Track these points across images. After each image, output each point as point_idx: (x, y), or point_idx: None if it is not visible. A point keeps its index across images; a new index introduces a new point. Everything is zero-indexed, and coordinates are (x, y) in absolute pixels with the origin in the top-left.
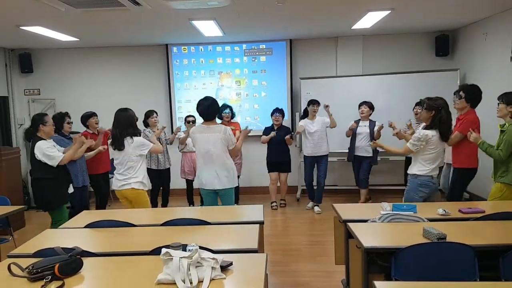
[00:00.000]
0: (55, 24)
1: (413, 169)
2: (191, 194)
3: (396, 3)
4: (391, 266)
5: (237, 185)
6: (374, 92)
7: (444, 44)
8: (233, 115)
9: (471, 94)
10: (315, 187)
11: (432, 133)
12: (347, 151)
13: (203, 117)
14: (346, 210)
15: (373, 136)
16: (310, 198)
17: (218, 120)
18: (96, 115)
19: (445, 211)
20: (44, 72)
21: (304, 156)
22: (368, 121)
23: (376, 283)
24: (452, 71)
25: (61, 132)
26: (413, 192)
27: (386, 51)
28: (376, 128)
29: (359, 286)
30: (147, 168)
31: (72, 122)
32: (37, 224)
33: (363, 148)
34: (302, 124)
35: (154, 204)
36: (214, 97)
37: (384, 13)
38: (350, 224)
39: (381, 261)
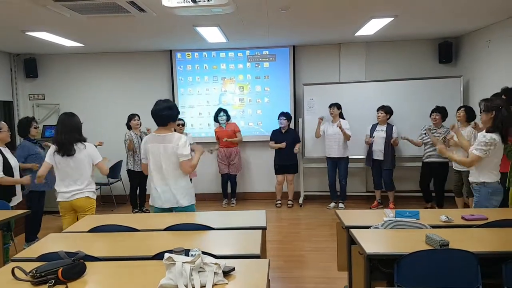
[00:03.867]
0: (60, 30)
1: (479, 177)
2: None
3: (400, 10)
4: (394, 272)
5: (194, 203)
6: (377, 98)
7: (447, 51)
8: (228, 118)
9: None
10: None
11: (498, 136)
12: (362, 156)
13: (154, 120)
14: (349, 216)
15: (389, 141)
16: (332, 198)
17: (214, 125)
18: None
19: (448, 218)
20: (48, 77)
21: (326, 157)
22: (385, 126)
23: None
24: (455, 78)
25: (27, 137)
26: (486, 202)
27: (389, 58)
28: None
29: None
30: (129, 170)
31: (38, 127)
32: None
33: (380, 151)
34: (322, 127)
35: (134, 205)
36: (217, 102)
37: (388, 20)
38: (353, 230)
39: (384, 267)
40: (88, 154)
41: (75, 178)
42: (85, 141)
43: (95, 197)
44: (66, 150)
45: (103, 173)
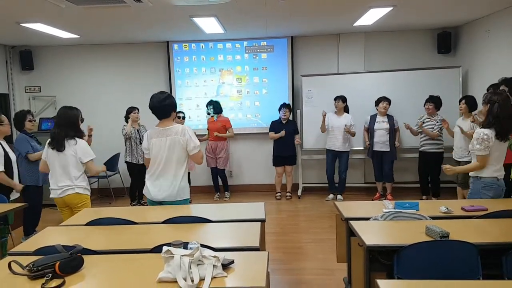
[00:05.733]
0: (56, 21)
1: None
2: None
3: None
4: (394, 264)
5: (189, 197)
6: (375, 89)
7: (446, 41)
8: (216, 111)
9: None
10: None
11: (490, 131)
12: (361, 147)
13: (155, 114)
14: (348, 208)
15: (392, 131)
16: (330, 190)
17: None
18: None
19: (447, 209)
20: (45, 69)
21: (326, 149)
22: (386, 117)
23: (379, 281)
24: (454, 68)
25: (23, 130)
26: (476, 196)
27: (387, 48)
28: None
29: (361, 284)
30: (128, 162)
31: (35, 120)
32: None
33: (383, 143)
34: (325, 117)
35: (133, 198)
36: (215, 94)
37: (386, 9)
38: (352, 222)
39: (384, 259)
40: (77, 151)
41: (64, 174)
42: (80, 137)
43: (87, 192)
44: (56, 144)
45: (91, 173)
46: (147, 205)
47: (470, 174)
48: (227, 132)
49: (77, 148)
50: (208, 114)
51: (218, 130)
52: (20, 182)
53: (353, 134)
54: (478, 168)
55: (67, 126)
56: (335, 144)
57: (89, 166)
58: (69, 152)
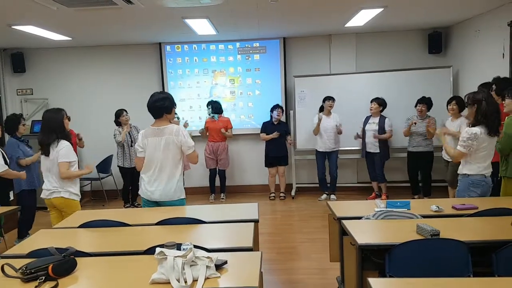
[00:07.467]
0: (47, 23)
1: (463, 169)
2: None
3: (389, 0)
4: (385, 262)
5: (185, 197)
6: (367, 89)
7: (437, 41)
8: (216, 111)
9: (502, 87)
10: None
11: (480, 130)
12: (354, 147)
13: (150, 113)
14: (341, 207)
15: (384, 132)
16: (323, 190)
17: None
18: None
19: (438, 207)
20: (37, 72)
21: (316, 150)
22: (378, 118)
23: (371, 280)
24: (445, 68)
25: (15, 135)
26: (464, 193)
27: (379, 49)
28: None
29: (353, 283)
30: (120, 167)
31: (25, 124)
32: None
33: (372, 144)
34: (316, 120)
35: (126, 200)
36: (208, 95)
37: (377, 10)
38: (345, 222)
39: (375, 258)
40: (57, 152)
41: (51, 177)
42: (65, 138)
43: (74, 197)
44: (43, 150)
45: (61, 176)
46: (140, 207)
47: (458, 171)
48: (227, 131)
49: (57, 150)
50: (209, 114)
51: (221, 131)
52: (14, 185)
53: (340, 132)
54: (453, 158)
55: (49, 131)
56: (326, 145)
57: (60, 167)
58: (53, 156)
